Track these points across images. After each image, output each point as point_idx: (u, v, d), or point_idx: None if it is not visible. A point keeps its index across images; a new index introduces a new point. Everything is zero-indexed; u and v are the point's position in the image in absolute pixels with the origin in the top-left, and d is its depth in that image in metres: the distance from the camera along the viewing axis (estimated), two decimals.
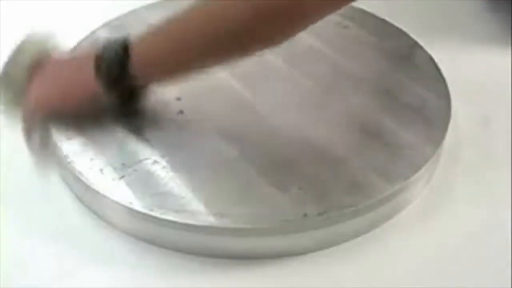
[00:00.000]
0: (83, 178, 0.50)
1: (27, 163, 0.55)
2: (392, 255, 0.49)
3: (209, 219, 0.47)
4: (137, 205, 0.48)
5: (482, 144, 0.56)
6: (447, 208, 0.52)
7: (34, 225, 0.51)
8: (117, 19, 0.65)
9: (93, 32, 0.64)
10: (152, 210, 0.47)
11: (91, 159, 0.51)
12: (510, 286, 0.46)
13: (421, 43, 0.62)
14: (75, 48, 0.62)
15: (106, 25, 0.64)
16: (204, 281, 0.47)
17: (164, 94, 0.56)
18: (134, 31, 0.63)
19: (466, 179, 0.54)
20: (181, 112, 0.55)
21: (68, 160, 0.51)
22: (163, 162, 0.51)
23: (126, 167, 0.50)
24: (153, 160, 0.51)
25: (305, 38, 0.63)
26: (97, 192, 0.49)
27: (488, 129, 0.57)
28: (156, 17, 0.64)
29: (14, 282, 0.47)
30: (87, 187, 0.50)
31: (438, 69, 0.59)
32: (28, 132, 0.52)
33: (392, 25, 0.65)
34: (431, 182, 0.53)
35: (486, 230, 0.50)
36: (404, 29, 0.64)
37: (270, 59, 0.60)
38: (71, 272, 0.48)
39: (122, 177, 0.50)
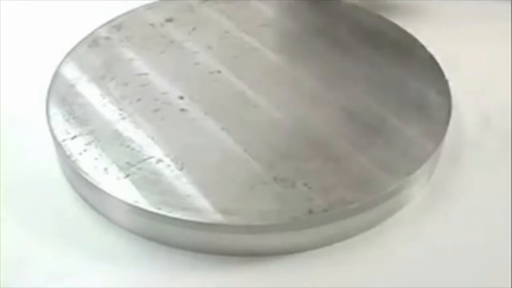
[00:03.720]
0: (87, 178, 0.50)
1: (29, 163, 0.55)
2: (396, 250, 0.49)
3: (216, 217, 0.47)
4: (144, 204, 0.48)
5: (483, 139, 0.57)
6: (448, 203, 0.52)
7: (37, 225, 0.51)
8: (117, 19, 0.65)
9: (93, 32, 0.64)
10: (159, 208, 0.48)
11: (96, 158, 0.51)
12: (510, 284, 0.47)
13: (420, 39, 0.62)
14: (75, 48, 0.62)
15: (106, 25, 0.64)
16: (211, 279, 0.48)
17: (167, 93, 0.57)
18: (134, 31, 0.64)
19: (467, 174, 0.54)
20: (184, 110, 0.55)
21: (72, 159, 0.51)
22: (168, 161, 0.51)
23: (131, 166, 0.51)
24: (157, 159, 0.51)
25: (304, 36, 0.64)
26: (102, 191, 0.50)
27: (489, 126, 0.58)
28: (156, 17, 0.66)
29: (15, 281, 0.47)
30: (92, 187, 0.50)
31: (438, 66, 0.60)
32: None
33: (390, 22, 0.65)
34: (433, 178, 0.54)
35: (488, 225, 0.51)
36: (403, 26, 0.64)
37: (270, 57, 0.61)
38: (76, 273, 0.48)
39: (127, 175, 0.50)
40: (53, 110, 0.55)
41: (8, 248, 0.49)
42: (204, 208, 0.48)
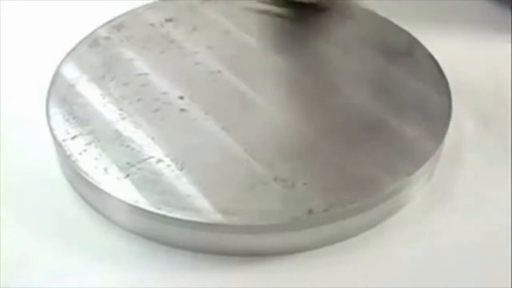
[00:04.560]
0: (87, 178, 0.50)
1: (29, 163, 0.55)
2: (396, 250, 0.49)
3: (216, 217, 0.47)
4: (144, 204, 0.48)
5: (483, 140, 0.57)
6: (448, 204, 0.52)
7: (37, 225, 0.51)
8: (117, 19, 0.65)
9: (93, 32, 0.64)
10: (159, 208, 0.48)
11: (96, 158, 0.51)
12: (510, 284, 0.47)
13: (421, 40, 0.62)
14: (75, 48, 0.62)
15: (106, 25, 0.64)
16: (211, 279, 0.48)
17: (167, 93, 0.57)
18: (134, 31, 0.64)
19: (467, 174, 0.54)
20: (184, 110, 0.55)
21: (72, 159, 0.51)
22: (168, 161, 0.51)
23: (131, 166, 0.51)
24: (157, 159, 0.51)
25: (305, 36, 0.64)
26: (102, 191, 0.50)
27: (488, 126, 0.58)
28: (156, 17, 0.66)
29: (15, 281, 0.47)
30: (92, 187, 0.50)
31: (438, 66, 0.60)
32: None
33: (391, 22, 0.65)
34: (433, 178, 0.54)
35: (488, 225, 0.51)
36: (403, 26, 0.64)
37: (270, 57, 0.61)
38: (76, 273, 0.48)
39: (127, 175, 0.50)
40: (53, 110, 0.55)
41: (8, 248, 0.49)
42: (204, 208, 0.48)
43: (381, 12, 0.66)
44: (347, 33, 0.64)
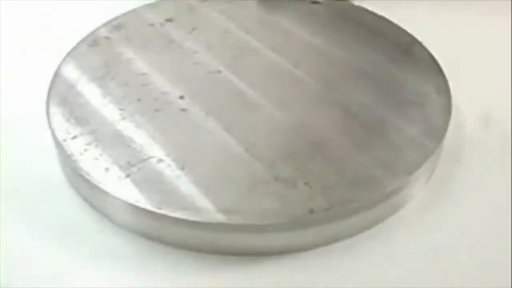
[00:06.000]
0: (88, 177, 0.50)
1: (30, 163, 0.55)
2: (397, 249, 0.49)
3: (217, 216, 0.47)
4: (145, 203, 0.48)
5: (483, 139, 0.57)
6: (448, 203, 0.52)
7: (38, 225, 0.51)
8: (117, 19, 0.65)
9: (93, 32, 0.64)
10: (160, 208, 0.48)
11: (96, 158, 0.51)
12: (510, 284, 0.47)
13: (420, 39, 0.62)
14: (75, 48, 0.62)
15: (106, 25, 0.64)
16: (211, 279, 0.48)
17: (167, 93, 0.57)
18: (134, 31, 0.64)
19: (467, 174, 0.54)
20: (184, 110, 0.55)
21: (73, 159, 0.51)
22: (168, 160, 0.51)
23: (132, 166, 0.50)
24: (158, 159, 0.51)
25: (304, 36, 0.64)
26: (103, 191, 0.49)
27: (489, 126, 0.58)
28: (156, 17, 0.66)
29: (15, 281, 0.47)
30: (93, 186, 0.50)
31: (437, 65, 0.60)
32: None
33: (390, 22, 0.65)
34: (433, 178, 0.54)
35: (488, 225, 0.51)
36: (402, 25, 0.64)
37: (270, 57, 0.61)
38: (76, 272, 0.48)
39: (128, 175, 0.50)
40: (53, 110, 0.55)
41: (8, 248, 0.49)
42: (205, 207, 0.48)
43: (381, 12, 0.66)
44: (347, 33, 0.64)
